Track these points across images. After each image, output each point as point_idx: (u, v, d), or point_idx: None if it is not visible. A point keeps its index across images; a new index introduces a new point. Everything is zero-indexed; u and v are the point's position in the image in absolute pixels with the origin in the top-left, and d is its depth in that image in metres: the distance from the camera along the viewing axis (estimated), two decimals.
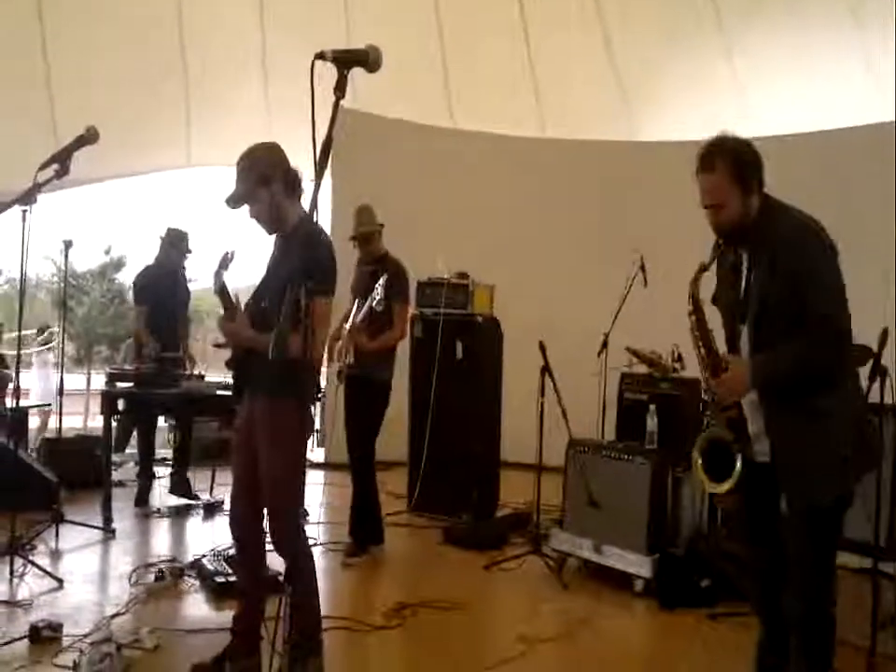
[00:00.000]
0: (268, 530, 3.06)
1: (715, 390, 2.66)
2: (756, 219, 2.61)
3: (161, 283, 6.19)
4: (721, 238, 2.67)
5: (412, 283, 5.55)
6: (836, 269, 2.56)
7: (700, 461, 2.72)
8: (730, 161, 2.59)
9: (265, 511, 3.06)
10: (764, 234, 2.59)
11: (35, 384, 9.98)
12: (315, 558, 3.31)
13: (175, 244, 6.23)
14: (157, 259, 6.30)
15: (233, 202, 3.10)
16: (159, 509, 5.97)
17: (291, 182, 3.10)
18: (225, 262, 3.31)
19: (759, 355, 2.61)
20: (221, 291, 3.22)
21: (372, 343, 4.89)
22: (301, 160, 3.11)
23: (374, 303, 4.64)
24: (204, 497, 6.24)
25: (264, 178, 3.04)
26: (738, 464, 2.59)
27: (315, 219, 3.11)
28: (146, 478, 6.17)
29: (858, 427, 2.60)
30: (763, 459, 2.63)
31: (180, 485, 6.23)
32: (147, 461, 6.24)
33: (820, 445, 2.52)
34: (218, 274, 3.28)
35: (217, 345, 6.40)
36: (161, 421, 6.78)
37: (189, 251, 6.29)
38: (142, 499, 6.07)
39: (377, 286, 4.67)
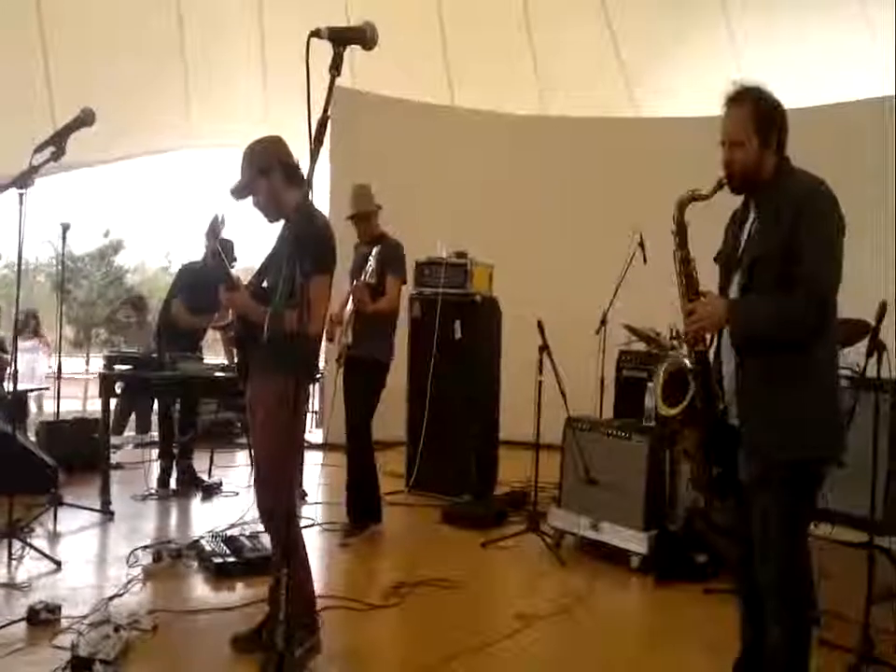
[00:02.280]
0: (259, 507, 3.14)
1: (687, 316, 2.61)
2: (771, 178, 2.59)
3: (200, 278, 6.08)
4: (730, 183, 2.63)
5: (410, 262, 5.51)
6: (840, 240, 2.50)
7: (661, 386, 2.74)
8: (758, 107, 2.57)
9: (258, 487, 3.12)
10: (777, 190, 2.56)
11: (22, 368, 9.99)
12: (305, 540, 3.31)
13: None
14: (202, 260, 6.26)
15: (236, 192, 3.19)
16: (157, 491, 5.98)
17: (291, 171, 3.15)
18: (215, 227, 3.26)
19: (742, 298, 2.60)
20: (214, 256, 3.22)
21: (372, 305, 4.85)
22: (299, 139, 3.10)
23: (367, 276, 4.66)
24: (203, 478, 6.26)
25: (263, 169, 3.12)
26: (691, 389, 2.60)
27: (310, 198, 3.14)
28: (167, 460, 6.18)
29: (825, 402, 2.54)
30: (734, 422, 2.61)
31: (187, 474, 6.24)
32: (166, 444, 6.23)
33: (781, 404, 2.49)
34: (209, 239, 3.28)
35: (216, 327, 6.39)
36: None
37: (234, 259, 6.19)
38: (164, 481, 6.10)
39: (370, 258, 4.70)
